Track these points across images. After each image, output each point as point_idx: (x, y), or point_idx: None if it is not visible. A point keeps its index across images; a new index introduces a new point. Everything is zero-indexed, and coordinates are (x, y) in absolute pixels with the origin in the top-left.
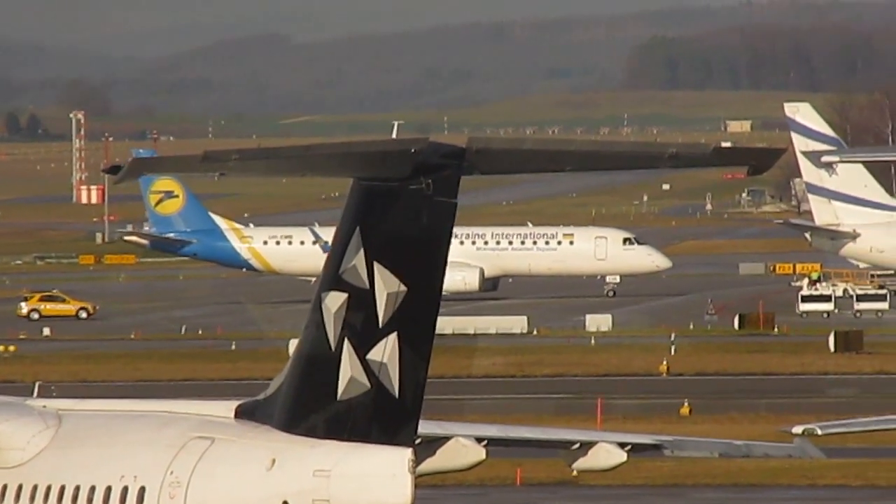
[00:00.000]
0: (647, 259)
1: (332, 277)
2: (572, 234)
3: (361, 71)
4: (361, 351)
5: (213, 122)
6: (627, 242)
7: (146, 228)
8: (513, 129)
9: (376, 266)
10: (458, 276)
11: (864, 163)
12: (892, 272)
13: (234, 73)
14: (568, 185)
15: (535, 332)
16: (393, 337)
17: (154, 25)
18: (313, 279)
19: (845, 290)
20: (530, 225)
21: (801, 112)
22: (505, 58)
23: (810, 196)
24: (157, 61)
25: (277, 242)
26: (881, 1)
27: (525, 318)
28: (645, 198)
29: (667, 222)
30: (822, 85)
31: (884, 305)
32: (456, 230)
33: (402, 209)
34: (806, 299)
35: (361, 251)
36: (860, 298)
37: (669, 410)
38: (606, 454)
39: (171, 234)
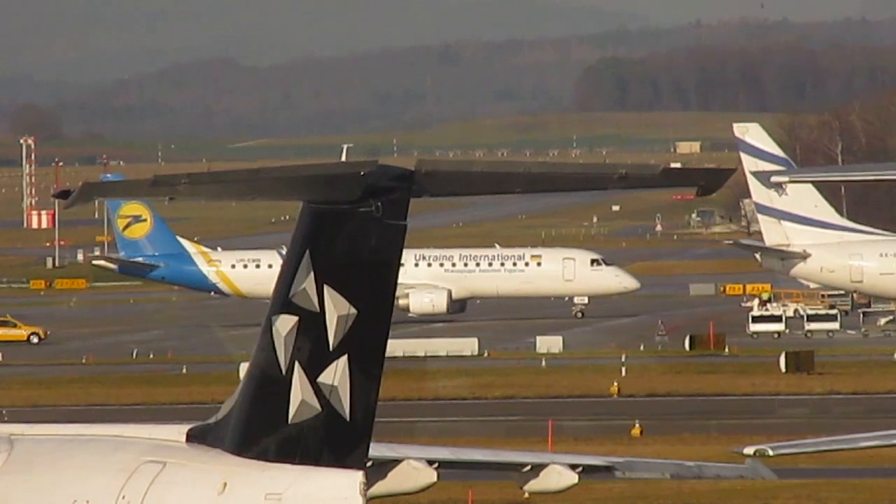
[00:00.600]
0: (615, 280)
1: (283, 300)
2: (540, 256)
3: (310, 94)
4: (312, 374)
5: (163, 147)
6: (595, 263)
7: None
8: (462, 152)
9: (326, 289)
10: (426, 298)
11: (813, 182)
12: (842, 292)
13: (183, 97)
14: (518, 206)
15: (485, 354)
16: (343, 360)
17: (103, 50)
18: None
19: (796, 311)
20: (497, 246)
21: (751, 132)
22: (453, 80)
23: (760, 216)
24: (106, 86)
25: (245, 266)
26: (829, 21)
27: (476, 340)
28: (595, 219)
29: (617, 243)
30: (772, 105)
31: (834, 325)
32: (423, 252)
33: (351, 232)
34: (756, 320)
35: (311, 274)
36: (811, 318)
37: (621, 432)
38: (558, 476)
39: (140, 259)
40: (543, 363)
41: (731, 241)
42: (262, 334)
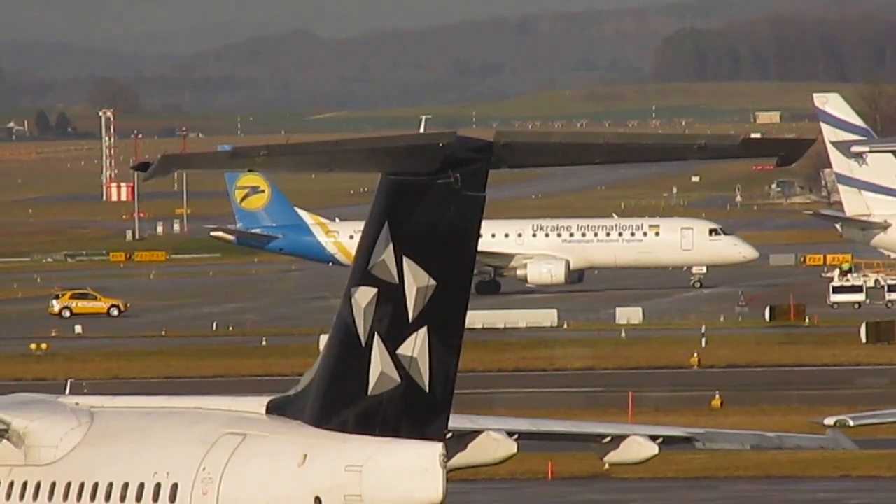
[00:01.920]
0: (734, 249)
1: (362, 272)
2: (658, 225)
3: (388, 66)
4: (391, 346)
5: (241, 119)
6: (713, 233)
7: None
8: (540, 123)
9: (405, 260)
10: (545, 268)
11: (894, 152)
12: None
13: (261, 69)
14: (597, 177)
15: (565, 326)
16: (423, 331)
17: (181, 24)
18: None
19: (876, 281)
20: (615, 216)
21: (831, 102)
22: (532, 51)
23: (840, 186)
24: (185, 59)
25: None
26: None
27: (555, 311)
28: (674, 190)
29: (696, 214)
30: (852, 75)
31: None
32: (540, 222)
33: (430, 203)
34: (837, 290)
35: (390, 246)
36: (891, 289)
37: (701, 403)
38: (638, 447)
39: (258, 230)
40: (623, 334)
41: (811, 212)
42: (342, 306)
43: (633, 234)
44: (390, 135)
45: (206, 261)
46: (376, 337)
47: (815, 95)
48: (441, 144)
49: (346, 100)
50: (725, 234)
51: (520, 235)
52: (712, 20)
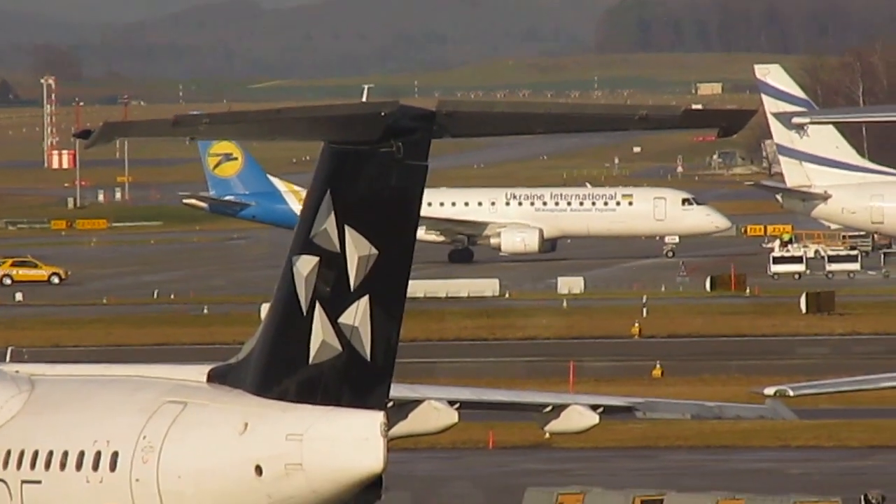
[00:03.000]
0: (706, 219)
1: (303, 241)
2: (631, 195)
3: (331, 35)
4: (333, 314)
5: (184, 87)
6: (686, 203)
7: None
8: (483, 93)
9: (347, 229)
10: (518, 237)
11: (835, 124)
12: (863, 233)
13: (204, 38)
14: (538, 147)
15: (506, 295)
16: (364, 300)
17: None
18: None
19: (817, 252)
20: (589, 186)
21: (772, 74)
22: (476, 21)
23: (781, 158)
24: (128, 27)
25: None
26: None
27: (496, 280)
28: (616, 160)
29: (638, 185)
30: (794, 47)
31: (855, 266)
32: (514, 191)
33: (372, 172)
34: (777, 261)
35: (332, 215)
36: (832, 259)
37: (641, 372)
38: (579, 416)
39: (231, 197)
40: (565, 304)
41: (752, 183)
42: (283, 275)
43: (606, 204)
44: (333, 103)
45: (148, 229)
46: (318, 306)
47: (756, 67)
48: (383, 113)
49: (288, 69)
50: (698, 203)
51: (493, 204)
52: None
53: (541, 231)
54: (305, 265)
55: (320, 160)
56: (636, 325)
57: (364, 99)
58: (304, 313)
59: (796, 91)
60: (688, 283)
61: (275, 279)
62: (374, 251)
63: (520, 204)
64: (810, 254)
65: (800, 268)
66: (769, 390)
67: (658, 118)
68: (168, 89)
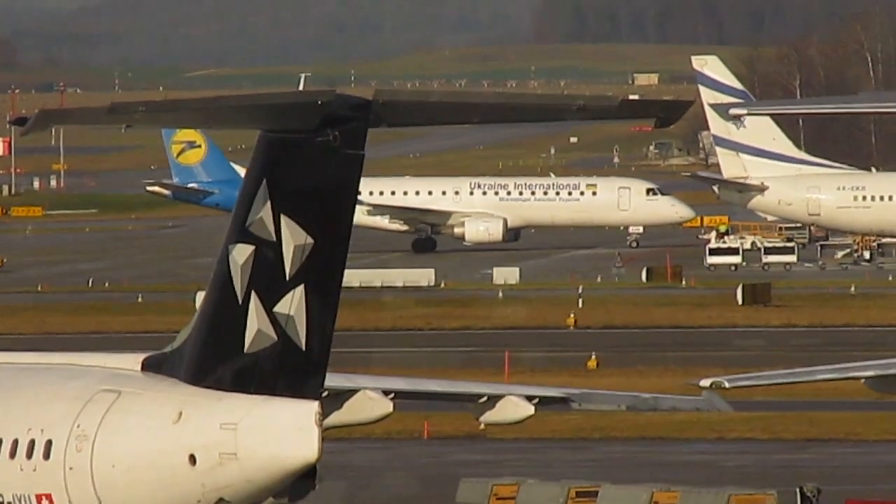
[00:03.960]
0: (671, 209)
1: (239, 230)
2: (595, 185)
3: (267, 23)
4: (268, 303)
5: (120, 75)
6: (651, 193)
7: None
8: (420, 82)
9: (283, 218)
10: (482, 226)
11: (771, 115)
12: (799, 225)
13: (139, 25)
14: (475, 137)
15: (441, 285)
16: (300, 289)
17: None
18: None
19: (753, 243)
20: (553, 175)
21: (709, 65)
22: (411, 11)
23: (718, 149)
24: (63, 14)
25: None
26: None
27: (432, 270)
28: (552, 150)
29: (574, 174)
30: (730, 38)
31: (791, 258)
32: (478, 180)
33: (308, 161)
34: (714, 252)
35: (268, 203)
36: (768, 251)
37: (577, 363)
38: (514, 407)
39: (194, 185)
40: (500, 294)
41: (688, 174)
42: (219, 264)
43: (570, 194)
44: (269, 92)
45: (83, 217)
46: (253, 294)
47: (693, 58)
48: (320, 102)
49: (224, 57)
50: (663, 194)
51: (457, 193)
52: None
53: (505, 221)
54: (241, 254)
55: (256, 149)
56: (572, 315)
57: (301, 87)
58: (240, 302)
59: (733, 82)
60: (623, 274)
61: (210, 268)
62: (310, 240)
63: (484, 193)
64: (747, 245)
65: (736, 259)
66: (705, 382)
67: (595, 108)
68: (104, 77)
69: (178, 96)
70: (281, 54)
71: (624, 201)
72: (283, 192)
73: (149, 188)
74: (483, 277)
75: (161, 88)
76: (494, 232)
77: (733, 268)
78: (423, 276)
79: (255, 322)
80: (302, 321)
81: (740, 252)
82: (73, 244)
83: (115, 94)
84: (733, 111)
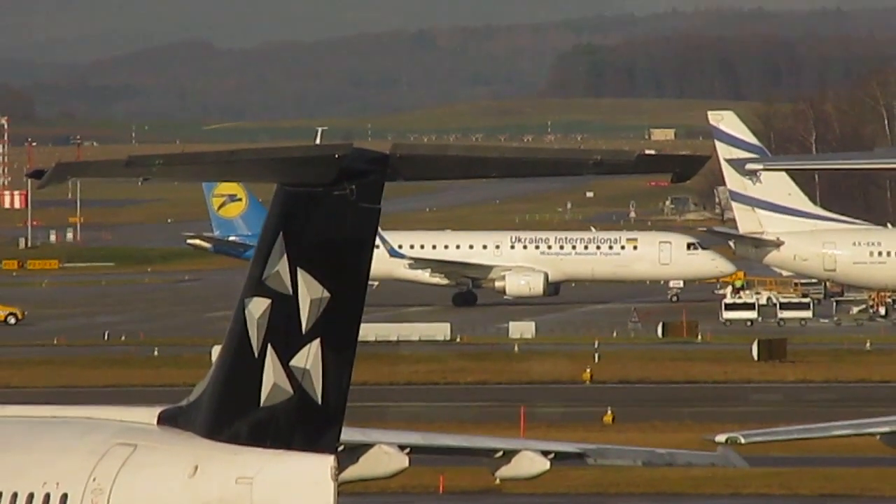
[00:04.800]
0: (711, 264)
1: (256, 283)
2: (636, 239)
3: (285, 77)
4: (284, 357)
5: (137, 128)
6: (692, 247)
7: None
8: (436, 136)
9: (300, 272)
10: (523, 280)
11: (787, 171)
12: (815, 280)
13: (157, 78)
14: (491, 191)
15: (458, 339)
16: (316, 343)
17: (77, 32)
18: (375, 284)
19: (769, 299)
20: (593, 230)
21: (725, 120)
22: (428, 65)
23: (734, 204)
24: (81, 67)
25: None
26: (804, 11)
27: (448, 325)
28: (569, 205)
29: (586, 230)
30: (747, 94)
31: (807, 314)
32: (518, 234)
33: (325, 215)
34: (729, 307)
35: (285, 257)
36: (784, 307)
37: (593, 418)
38: (529, 462)
39: (234, 238)
40: (516, 349)
41: (704, 229)
42: (235, 317)
43: (610, 248)
44: (287, 145)
45: (99, 270)
46: (269, 348)
47: (709, 113)
48: (337, 156)
49: (242, 110)
50: (703, 248)
51: (498, 247)
52: (609, 37)
53: (545, 274)
54: (257, 307)
55: (273, 202)
56: (587, 370)
57: (318, 141)
58: (256, 356)
59: (749, 137)
60: (640, 329)
61: (226, 322)
62: (326, 294)
63: (524, 247)
64: (762, 301)
65: (752, 315)
66: (720, 437)
67: (612, 163)
68: (121, 130)
69: (195, 149)
70: (298, 108)
71: (665, 255)
72: (300, 245)
73: (189, 241)
74: (499, 331)
75: (178, 142)
76: (535, 286)
77: (749, 323)
78: (439, 331)
79: (272, 376)
80: (318, 375)
81: (756, 307)
82: (89, 297)
83: (132, 147)
84: (749, 166)
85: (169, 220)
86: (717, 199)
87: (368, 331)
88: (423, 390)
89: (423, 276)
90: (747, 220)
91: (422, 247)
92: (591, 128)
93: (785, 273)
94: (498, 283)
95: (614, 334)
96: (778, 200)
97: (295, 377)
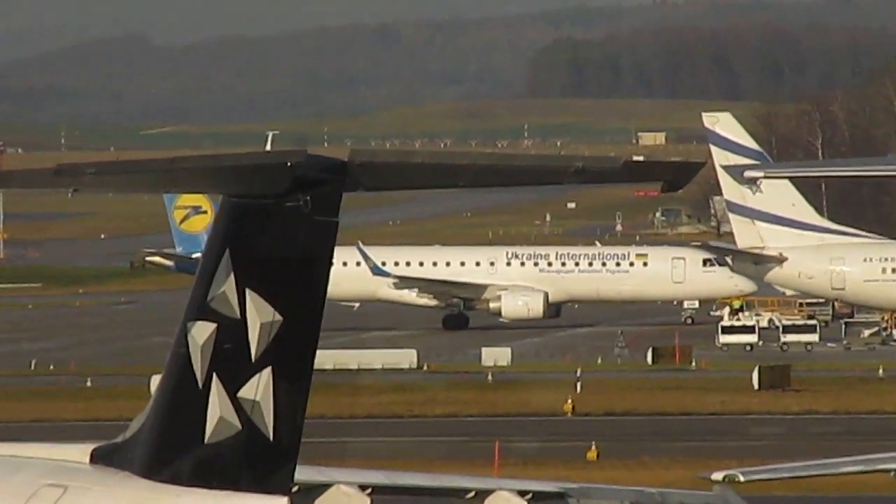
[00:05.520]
0: (730, 282)
1: (199, 306)
2: (646, 255)
3: (231, 76)
4: (232, 388)
5: (67, 133)
6: (708, 263)
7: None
8: (400, 141)
9: (248, 293)
10: (521, 301)
11: (791, 178)
12: (822, 300)
13: (88, 79)
14: (461, 203)
15: (425, 367)
16: (267, 372)
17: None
18: (356, 305)
19: (771, 321)
20: (599, 245)
21: (722, 122)
22: (392, 63)
23: (731, 216)
24: (3, 67)
25: None
26: (808, 0)
27: (414, 351)
28: (548, 217)
29: (572, 244)
30: (745, 93)
31: (813, 337)
32: (515, 250)
33: (277, 229)
34: (727, 330)
35: (232, 276)
36: (787, 329)
37: (575, 454)
38: (505, 503)
39: (199, 254)
40: (489, 377)
41: (699, 243)
42: (176, 344)
43: (618, 265)
44: (233, 152)
45: (25, 291)
46: (215, 378)
47: (704, 115)
48: (289, 164)
49: (184, 113)
50: (720, 264)
51: (492, 264)
52: (592, 30)
53: (546, 294)
54: (201, 333)
55: (218, 215)
56: (569, 401)
57: (268, 147)
58: (200, 386)
59: (748, 142)
60: (627, 355)
61: (166, 349)
62: (279, 317)
63: (522, 264)
64: (763, 323)
65: (751, 338)
66: (717, 475)
67: (596, 170)
68: (49, 136)
69: (131, 157)
70: (246, 111)
71: (678, 273)
72: (249, 263)
73: (149, 258)
74: (471, 358)
75: (112, 148)
76: (534, 307)
77: (748, 348)
78: (404, 358)
79: (217, 409)
80: (269, 408)
81: (756, 330)
82: (13, 322)
83: (61, 155)
84: (748, 174)
85: (102, 236)
86: (712, 211)
87: (326, 358)
88: (386, 424)
89: (410, 296)
90: (746, 234)
91: (407, 264)
92: (573, 131)
93: (788, 292)
94: (493, 304)
95: (599, 361)
96: (780, 212)
97: (243, 410)
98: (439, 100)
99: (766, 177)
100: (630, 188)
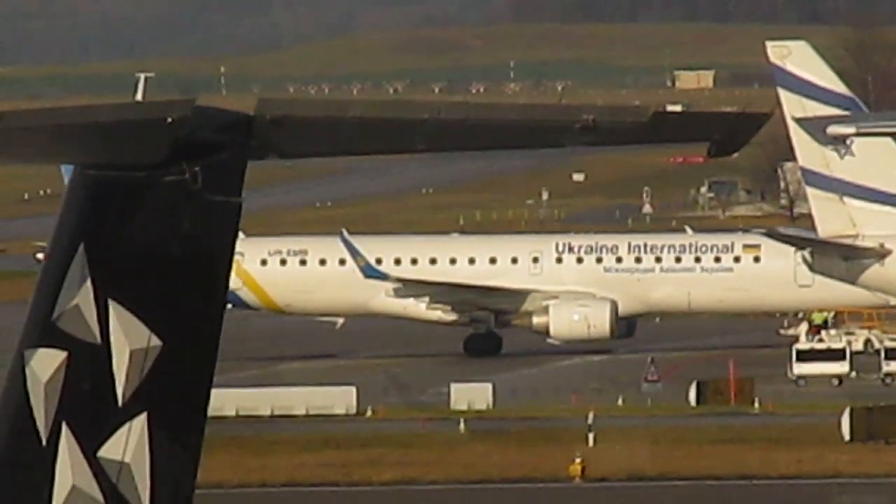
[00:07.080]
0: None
1: (42, 327)
2: (758, 246)
3: (86, 0)
4: (90, 445)
5: None
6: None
7: None
8: (330, 87)
9: (112, 306)
10: (577, 314)
11: (894, 136)
12: None
13: None
14: (420, 175)
15: (368, 413)
16: (140, 421)
17: None
18: (340, 321)
19: (868, 342)
20: (690, 231)
21: (795, 56)
22: None
23: (810, 191)
24: None
25: (283, 262)
26: None
27: (353, 389)
28: (545, 195)
29: (581, 231)
30: (828, 15)
31: None
32: (569, 240)
33: (152, 215)
34: (805, 356)
35: (88, 283)
36: (890, 355)
37: None
38: None
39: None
40: (461, 426)
41: (762, 230)
42: (10, 381)
43: (717, 261)
44: (88, 105)
45: None
46: (65, 430)
47: (769, 45)
48: (170, 120)
49: (18, 51)
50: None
51: (536, 261)
52: None
53: (614, 304)
54: (44, 365)
55: (69, 196)
56: (577, 460)
57: (139, 96)
58: (43, 442)
59: (834, 83)
60: (660, 391)
61: None
62: (156, 341)
63: (579, 261)
64: (858, 345)
65: (841, 368)
66: None
67: (612, 126)
68: None
69: None
70: (107, 45)
71: (804, 272)
72: (112, 264)
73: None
74: (436, 399)
75: None
76: (598, 322)
77: (836, 381)
78: (339, 399)
79: (69, 474)
80: (143, 472)
81: (847, 356)
82: None
83: None
84: (833, 129)
85: None
86: (782, 184)
87: (226, 400)
88: (312, 495)
89: (417, 308)
90: (832, 217)
91: (413, 262)
92: (579, 71)
93: (892, 301)
94: (537, 319)
95: (620, 402)
96: (880, 185)
97: (107, 476)
98: (386, 28)
99: (858, 133)
100: (663, 152)
